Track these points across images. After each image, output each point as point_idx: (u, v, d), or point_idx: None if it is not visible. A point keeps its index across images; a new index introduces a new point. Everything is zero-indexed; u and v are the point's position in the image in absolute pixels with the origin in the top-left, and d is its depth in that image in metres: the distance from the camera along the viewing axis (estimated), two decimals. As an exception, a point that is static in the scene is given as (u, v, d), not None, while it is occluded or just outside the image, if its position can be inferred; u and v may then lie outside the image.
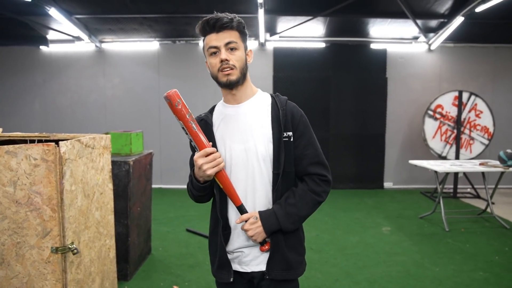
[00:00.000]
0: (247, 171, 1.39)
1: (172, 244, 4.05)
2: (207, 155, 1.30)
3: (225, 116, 1.45)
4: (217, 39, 1.34)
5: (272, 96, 1.47)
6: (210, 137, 1.43)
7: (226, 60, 1.33)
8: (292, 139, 1.39)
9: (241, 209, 1.37)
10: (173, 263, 3.56)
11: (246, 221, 1.37)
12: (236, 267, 1.46)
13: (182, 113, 1.29)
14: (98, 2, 5.51)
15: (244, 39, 1.40)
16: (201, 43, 6.86)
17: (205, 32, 1.38)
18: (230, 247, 1.45)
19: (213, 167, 1.30)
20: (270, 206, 1.41)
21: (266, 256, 1.42)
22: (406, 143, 6.73)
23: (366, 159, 6.66)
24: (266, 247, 1.40)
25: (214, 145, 1.42)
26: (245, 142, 1.39)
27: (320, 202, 1.42)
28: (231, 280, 1.44)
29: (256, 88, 1.49)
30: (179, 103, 1.28)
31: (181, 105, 1.29)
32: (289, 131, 1.39)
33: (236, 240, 1.44)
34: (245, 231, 1.37)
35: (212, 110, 1.53)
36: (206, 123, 1.46)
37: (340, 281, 3.21)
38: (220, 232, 1.44)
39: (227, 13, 1.38)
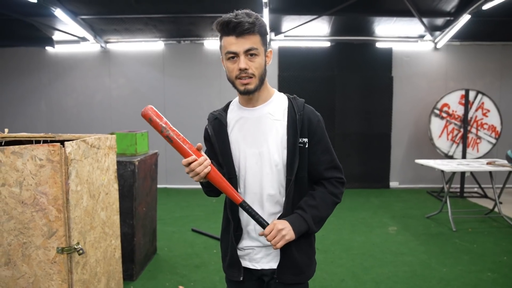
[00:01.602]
0: (260, 176, 1.37)
1: (177, 244, 4.06)
2: (188, 164, 1.26)
3: (240, 118, 1.42)
4: (237, 44, 1.27)
5: (289, 99, 1.42)
6: (224, 137, 1.41)
7: (246, 69, 1.28)
8: (307, 146, 1.36)
9: (244, 207, 1.32)
10: (178, 263, 3.56)
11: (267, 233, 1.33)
12: (246, 264, 1.45)
13: (158, 128, 1.29)
14: (103, 2, 5.53)
15: (264, 42, 1.33)
16: (206, 43, 6.82)
17: (223, 33, 1.30)
18: (241, 246, 1.45)
19: (196, 175, 1.26)
20: (280, 211, 1.39)
21: (276, 254, 1.41)
22: (412, 142, 6.69)
23: (372, 158, 6.62)
24: None
25: (228, 147, 1.40)
26: (259, 147, 1.36)
27: (337, 203, 1.43)
28: (241, 279, 1.44)
29: (272, 89, 1.45)
30: (151, 120, 1.28)
31: (154, 121, 1.28)
32: (305, 137, 1.35)
33: (247, 240, 1.44)
34: (270, 232, 1.31)
35: (226, 108, 1.49)
36: (220, 122, 1.44)
37: (346, 281, 3.19)
38: (231, 233, 1.43)
39: (248, 13, 1.29)
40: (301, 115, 1.36)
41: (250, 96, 1.36)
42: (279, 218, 1.37)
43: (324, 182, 1.41)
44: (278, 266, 1.39)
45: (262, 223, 1.33)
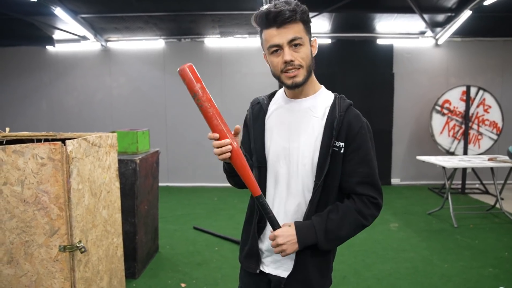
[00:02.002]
0: (286, 172, 1.28)
1: (179, 242, 4.07)
2: (216, 140, 1.16)
3: (280, 107, 1.34)
4: (279, 35, 1.18)
5: (335, 98, 1.31)
6: (261, 123, 1.35)
7: (291, 61, 1.19)
8: (342, 151, 1.24)
9: (260, 201, 1.21)
10: (180, 261, 3.57)
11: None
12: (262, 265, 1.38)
13: (191, 91, 1.16)
14: (103, 1, 5.53)
15: (308, 30, 1.23)
16: (206, 41, 6.82)
17: (263, 25, 1.21)
18: (263, 239, 1.36)
19: (220, 154, 1.15)
20: (301, 217, 1.29)
21: (285, 261, 1.32)
22: (413, 139, 6.68)
23: (373, 155, 6.61)
24: None
25: (262, 134, 1.32)
26: (291, 141, 1.28)
27: (364, 226, 1.27)
28: (258, 271, 1.36)
29: (320, 85, 1.35)
30: (185, 80, 1.16)
31: (188, 82, 1.16)
32: (341, 142, 1.23)
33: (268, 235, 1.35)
34: (273, 239, 1.24)
35: (271, 95, 1.41)
36: (260, 108, 1.38)
37: (348, 278, 3.20)
38: (255, 222, 1.35)
39: (287, 1, 1.19)
40: (341, 116, 1.24)
41: (297, 89, 1.27)
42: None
43: (355, 197, 1.27)
44: (288, 277, 1.30)
45: (273, 224, 1.24)
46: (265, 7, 1.20)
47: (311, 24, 1.25)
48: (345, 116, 1.25)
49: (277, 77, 1.25)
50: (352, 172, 1.26)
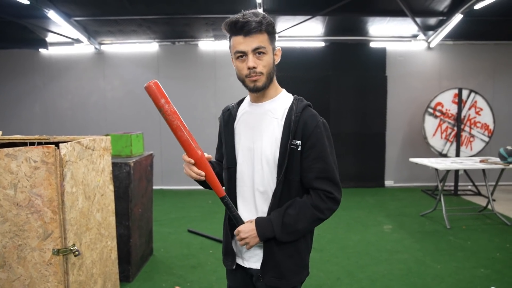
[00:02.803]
0: (251, 171, 1.40)
1: (173, 245, 4.06)
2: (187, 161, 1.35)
3: (245, 112, 1.47)
4: (245, 43, 1.30)
5: (294, 100, 1.42)
6: (230, 128, 1.47)
7: (254, 67, 1.31)
8: (299, 148, 1.34)
9: (224, 202, 1.37)
10: (175, 264, 3.57)
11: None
12: (239, 260, 1.48)
13: (158, 105, 1.29)
14: (97, 4, 5.52)
15: (272, 40, 1.36)
16: (200, 44, 6.83)
17: (231, 33, 1.34)
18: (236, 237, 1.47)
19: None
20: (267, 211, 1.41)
21: (259, 254, 1.42)
22: (406, 141, 6.73)
23: (367, 157, 6.66)
24: None
25: (232, 138, 1.46)
26: (254, 142, 1.39)
27: (321, 219, 1.36)
28: (234, 267, 1.47)
29: (280, 88, 1.46)
30: (152, 96, 1.28)
31: (154, 98, 1.28)
32: (298, 140, 1.33)
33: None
34: (237, 234, 1.37)
35: (240, 102, 1.54)
36: (230, 114, 1.50)
37: (342, 279, 3.22)
38: (226, 221, 1.49)
39: (255, 12, 1.32)
40: (297, 117, 1.34)
41: (257, 93, 1.39)
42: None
43: (312, 192, 1.36)
44: (261, 265, 1.40)
45: (237, 221, 1.39)
46: (235, 16, 1.31)
47: (276, 35, 1.38)
48: (301, 116, 1.35)
49: (242, 81, 1.37)
50: (309, 168, 1.35)
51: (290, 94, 1.47)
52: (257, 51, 1.30)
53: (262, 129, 1.38)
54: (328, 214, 1.36)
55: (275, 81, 1.42)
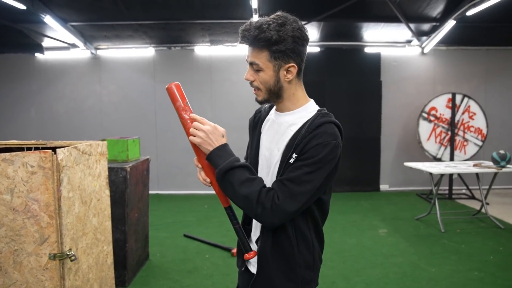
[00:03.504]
0: (265, 179, 1.29)
1: (170, 249, 4.06)
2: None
3: (269, 119, 1.41)
4: (249, 53, 1.25)
5: (315, 115, 1.28)
6: (258, 131, 1.41)
7: (250, 81, 1.27)
8: (291, 160, 1.22)
9: (227, 212, 1.29)
10: (171, 269, 3.57)
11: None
12: (247, 263, 1.43)
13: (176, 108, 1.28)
14: (93, 9, 5.54)
15: (277, 57, 1.22)
16: (196, 49, 6.86)
17: None
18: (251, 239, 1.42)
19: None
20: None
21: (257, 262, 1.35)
22: (401, 146, 6.78)
23: (362, 162, 6.69)
24: (251, 255, 1.31)
25: (258, 142, 1.39)
26: (270, 151, 1.33)
27: (249, 202, 1.18)
28: (243, 269, 1.43)
29: (306, 100, 1.34)
30: (172, 98, 1.28)
31: (173, 99, 1.28)
32: (297, 153, 1.21)
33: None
34: (196, 128, 1.24)
35: (272, 106, 1.44)
36: (260, 117, 1.45)
37: (337, 283, 3.23)
38: (241, 222, 1.41)
39: (263, 22, 1.20)
40: (307, 133, 1.21)
41: (275, 101, 1.33)
42: (262, 230, 1.31)
43: (270, 186, 1.23)
44: (254, 280, 1.34)
45: (239, 235, 1.30)
46: (248, 21, 1.25)
47: (288, 51, 1.23)
48: (313, 133, 1.20)
49: None
50: (285, 172, 1.22)
51: (316, 107, 1.35)
52: (253, 66, 1.25)
53: (278, 139, 1.31)
54: (259, 211, 1.17)
55: (294, 95, 1.31)
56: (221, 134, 1.25)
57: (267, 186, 1.24)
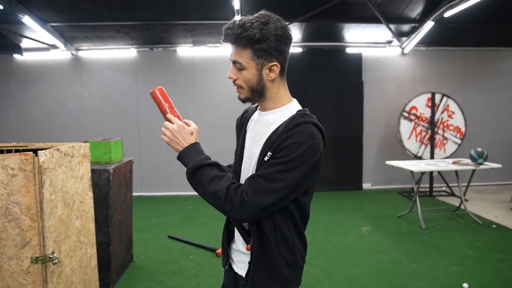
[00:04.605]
0: (246, 177, 1.31)
1: (154, 251, 4.03)
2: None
3: (253, 118, 1.43)
4: (232, 51, 1.26)
5: (294, 115, 1.28)
6: (243, 131, 1.44)
7: (233, 79, 1.29)
8: (266, 158, 1.22)
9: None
10: (155, 270, 3.55)
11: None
12: (231, 261, 1.46)
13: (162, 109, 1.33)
14: (73, 10, 5.45)
15: (259, 55, 1.22)
16: (179, 50, 6.81)
17: None
18: (234, 239, 1.45)
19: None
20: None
21: (245, 263, 1.37)
22: (383, 145, 6.90)
23: (345, 161, 6.78)
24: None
25: (242, 141, 1.41)
26: (251, 150, 1.35)
27: (217, 198, 1.18)
28: (226, 267, 1.47)
29: (288, 100, 1.35)
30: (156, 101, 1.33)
31: (158, 103, 1.33)
32: (271, 152, 1.21)
33: (237, 239, 1.42)
34: (166, 127, 1.27)
35: (257, 107, 1.45)
36: (247, 116, 1.46)
37: (322, 281, 3.27)
38: (226, 220, 1.45)
39: (246, 21, 1.20)
40: (283, 132, 1.21)
41: (257, 100, 1.34)
42: (249, 227, 1.31)
43: (242, 183, 1.23)
44: (246, 275, 1.34)
45: (237, 226, 1.36)
46: (232, 20, 1.26)
47: (271, 50, 1.23)
48: (289, 132, 1.20)
49: None
50: (259, 169, 1.23)
51: (298, 107, 1.35)
52: (236, 65, 1.26)
53: (259, 138, 1.32)
54: (228, 207, 1.17)
55: (277, 95, 1.32)
56: (189, 132, 1.27)
57: None
